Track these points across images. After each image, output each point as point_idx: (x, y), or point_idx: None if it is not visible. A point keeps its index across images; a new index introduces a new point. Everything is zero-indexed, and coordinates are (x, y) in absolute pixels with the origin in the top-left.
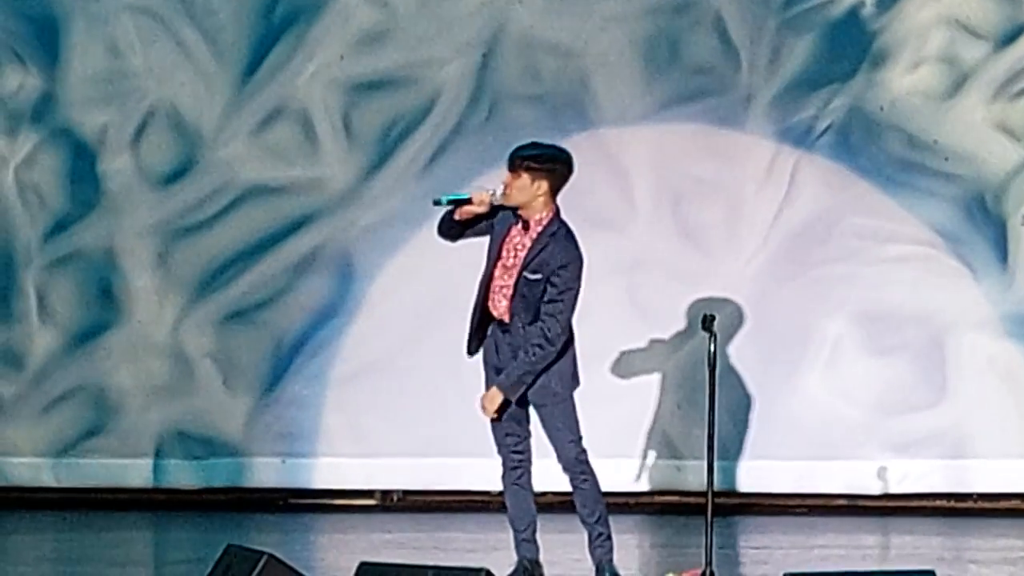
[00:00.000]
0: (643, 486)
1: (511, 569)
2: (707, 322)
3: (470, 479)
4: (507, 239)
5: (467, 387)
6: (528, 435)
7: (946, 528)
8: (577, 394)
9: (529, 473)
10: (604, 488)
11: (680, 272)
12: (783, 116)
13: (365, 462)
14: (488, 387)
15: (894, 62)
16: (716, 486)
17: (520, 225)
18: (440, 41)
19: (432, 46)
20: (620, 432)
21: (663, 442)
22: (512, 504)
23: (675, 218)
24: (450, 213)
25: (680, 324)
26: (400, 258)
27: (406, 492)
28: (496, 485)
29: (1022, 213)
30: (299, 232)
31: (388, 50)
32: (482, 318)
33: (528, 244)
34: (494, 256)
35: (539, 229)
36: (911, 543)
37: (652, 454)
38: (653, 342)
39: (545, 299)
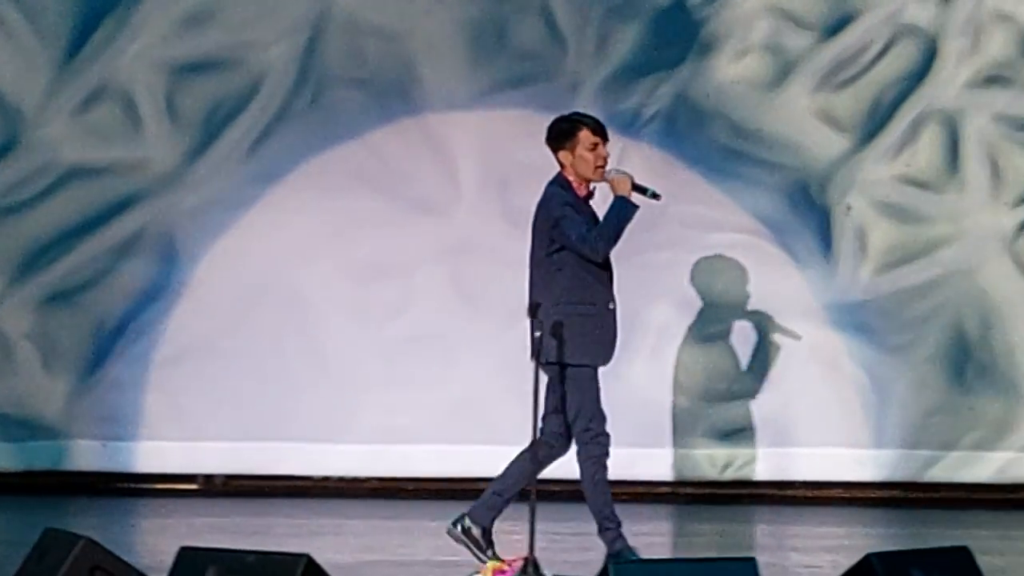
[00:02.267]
0: (469, 472)
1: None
2: (533, 309)
3: (293, 464)
4: None
5: (290, 371)
6: None
7: (769, 515)
8: (404, 379)
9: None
10: (425, 474)
11: (506, 257)
12: (609, 103)
13: (187, 446)
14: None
15: (720, 51)
16: (541, 473)
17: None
18: (265, 23)
19: (257, 28)
20: (445, 417)
21: (488, 428)
22: (609, 492)
23: (501, 203)
24: (616, 230)
25: (506, 310)
26: (223, 241)
27: (228, 476)
28: (319, 470)
29: (846, 203)
30: (122, 214)
31: (212, 32)
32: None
33: None
34: None
35: None
36: (734, 530)
37: (478, 440)
38: (479, 327)
39: None
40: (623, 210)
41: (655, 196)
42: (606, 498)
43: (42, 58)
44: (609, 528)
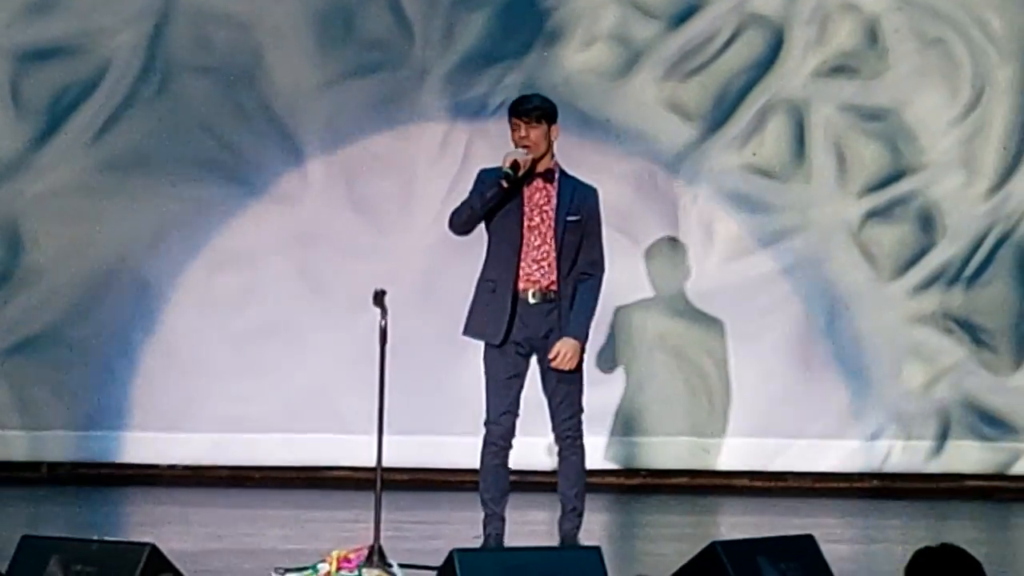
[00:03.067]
0: (315, 461)
1: (480, 542)
2: (378, 297)
3: (139, 452)
4: (525, 202)
5: (137, 360)
6: (519, 413)
7: (615, 504)
8: (251, 368)
9: (511, 451)
10: (271, 463)
11: (353, 246)
12: (457, 92)
13: (32, 435)
14: (525, 358)
15: (567, 39)
16: (387, 461)
17: (540, 179)
18: (111, 10)
19: (103, 15)
20: (292, 406)
21: (336, 417)
22: (492, 481)
23: (348, 192)
24: (466, 205)
25: (353, 298)
26: (69, 229)
27: (74, 465)
28: (165, 459)
29: (693, 193)
30: None
31: (57, 18)
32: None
33: (555, 191)
34: (518, 229)
35: (557, 174)
36: None
37: (325, 429)
38: (326, 316)
39: (588, 237)
40: (485, 188)
41: (504, 175)
42: (483, 484)
43: None
44: (483, 512)
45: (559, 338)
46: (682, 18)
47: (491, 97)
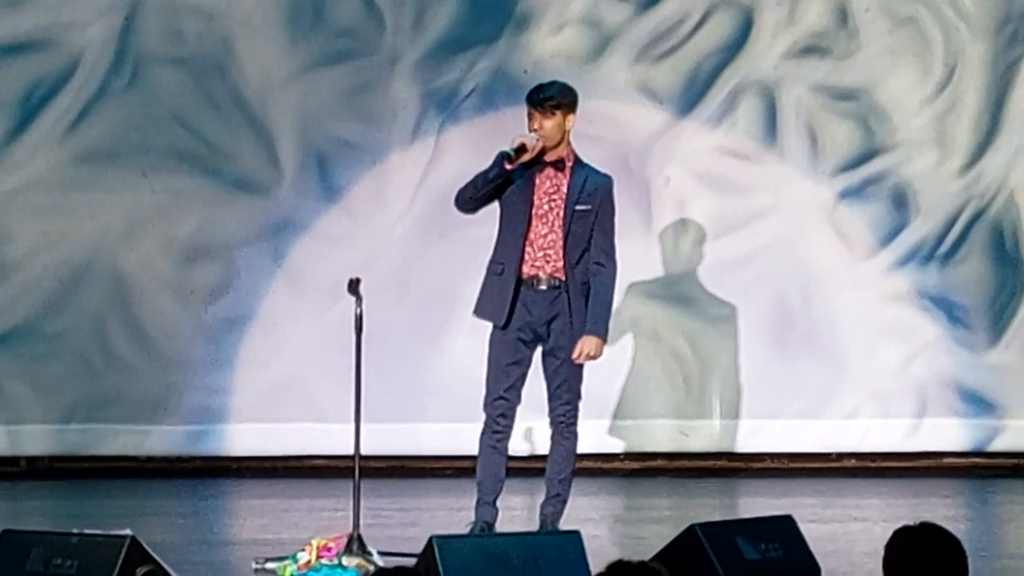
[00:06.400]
0: (292, 450)
1: (468, 528)
2: (353, 285)
3: (116, 445)
4: (535, 189)
5: (113, 352)
6: (519, 401)
7: (593, 488)
8: (227, 358)
9: (509, 438)
10: (249, 452)
11: (326, 234)
12: (428, 78)
13: (10, 429)
14: (528, 345)
15: (538, 24)
16: (365, 449)
17: (551, 168)
18: (81, 4)
19: (73, 9)
20: (269, 397)
21: (311, 406)
22: (484, 466)
23: (321, 181)
24: (471, 183)
25: (328, 287)
26: (43, 223)
27: (52, 459)
28: (143, 451)
29: (665, 175)
30: None
31: (28, 12)
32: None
33: (567, 180)
34: (526, 215)
35: (570, 164)
36: None
37: (302, 418)
38: (301, 305)
39: (599, 226)
40: (489, 168)
41: (505, 155)
42: (477, 468)
43: None
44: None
45: (565, 325)
46: (652, 1)
47: (463, 83)
